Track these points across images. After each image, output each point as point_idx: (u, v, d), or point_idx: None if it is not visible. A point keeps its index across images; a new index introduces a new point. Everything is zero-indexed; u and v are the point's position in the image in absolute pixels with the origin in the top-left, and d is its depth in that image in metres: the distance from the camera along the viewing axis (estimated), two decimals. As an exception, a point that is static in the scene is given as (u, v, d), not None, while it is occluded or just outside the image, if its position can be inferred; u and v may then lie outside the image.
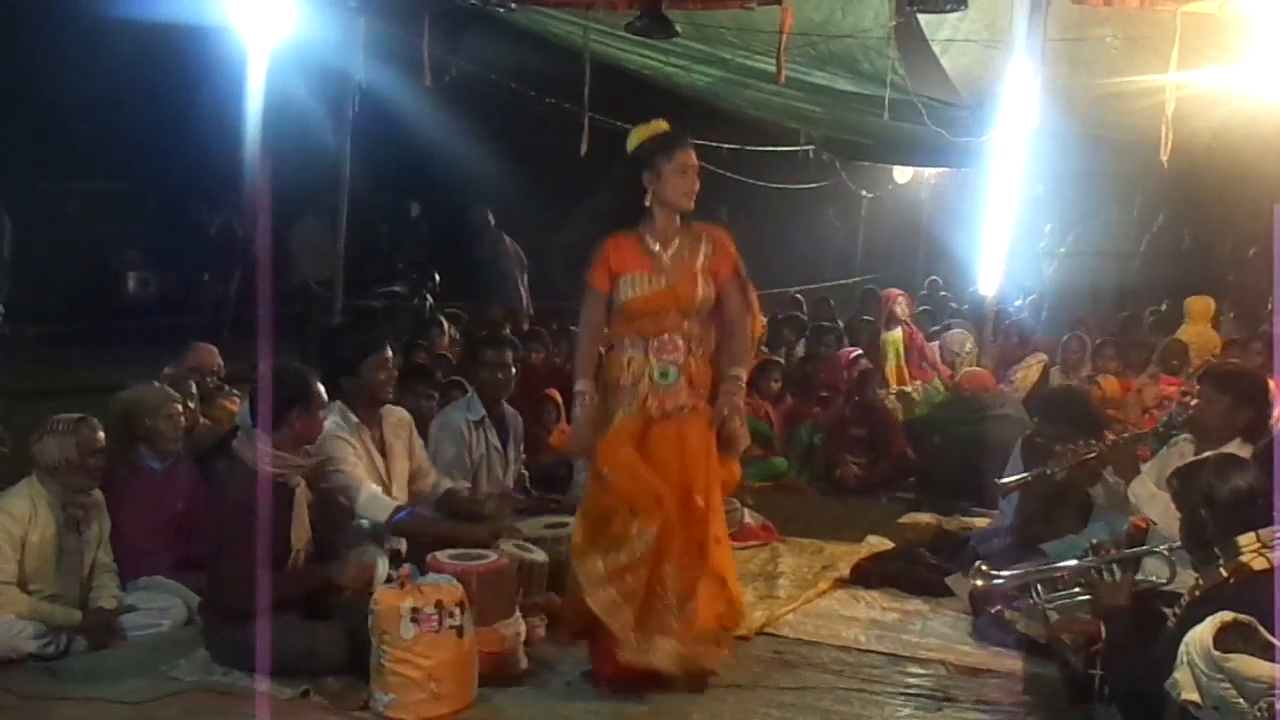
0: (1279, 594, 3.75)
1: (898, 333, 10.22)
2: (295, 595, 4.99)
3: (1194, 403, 5.65)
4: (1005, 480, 6.20)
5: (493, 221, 13.33)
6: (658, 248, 5.12)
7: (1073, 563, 4.90)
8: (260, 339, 5.31)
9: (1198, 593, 4.09)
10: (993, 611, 5.67)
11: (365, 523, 5.74)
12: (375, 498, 5.58)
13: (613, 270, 5.09)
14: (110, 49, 11.74)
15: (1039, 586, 4.93)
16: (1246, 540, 4.00)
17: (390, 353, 6.05)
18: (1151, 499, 5.24)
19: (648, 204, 5.09)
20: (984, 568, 5.11)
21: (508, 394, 6.99)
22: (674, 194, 5.09)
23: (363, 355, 5.84)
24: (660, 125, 5.19)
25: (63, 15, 11.51)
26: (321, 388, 5.23)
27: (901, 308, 10.18)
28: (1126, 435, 5.96)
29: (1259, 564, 3.97)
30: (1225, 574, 4.01)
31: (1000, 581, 5.00)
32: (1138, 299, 14.63)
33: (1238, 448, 5.10)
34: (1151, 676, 3.87)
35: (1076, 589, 4.72)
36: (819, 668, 5.35)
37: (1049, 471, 5.81)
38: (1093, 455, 5.63)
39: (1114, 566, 4.45)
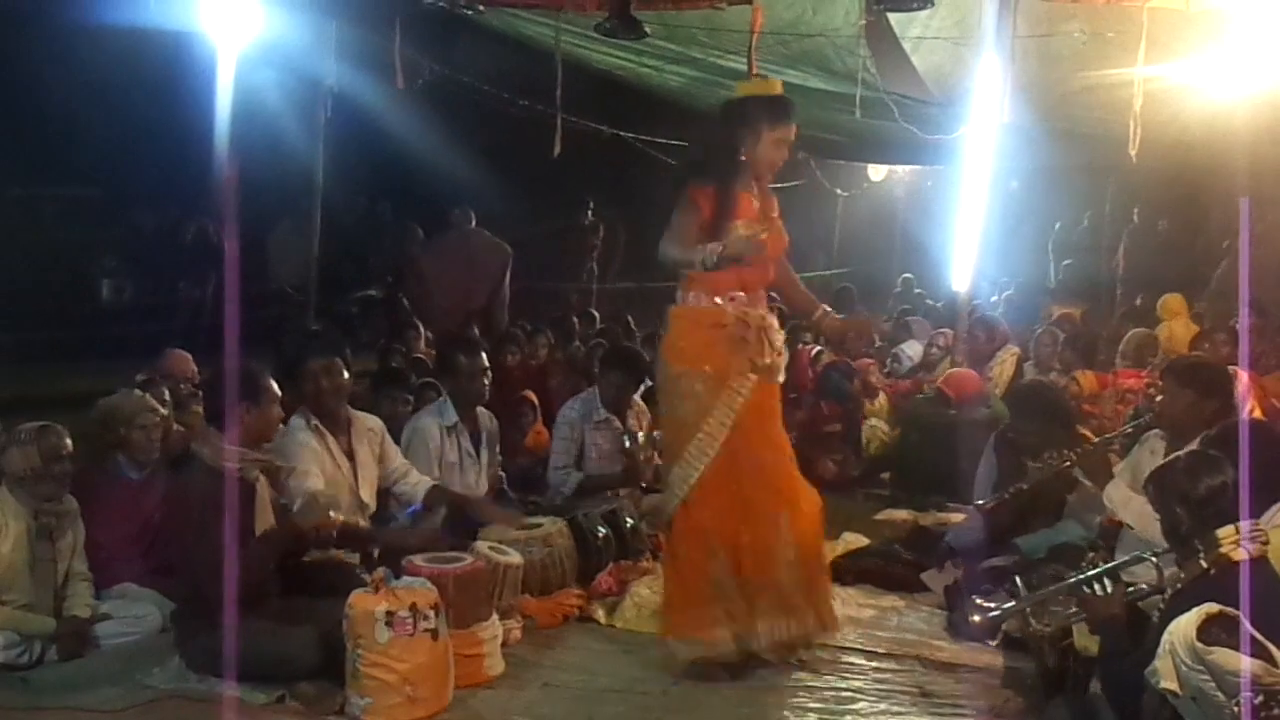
0: (1244, 588, 3.77)
1: (882, 399, 10.09)
2: (268, 561, 4.99)
3: (1159, 399, 5.69)
4: (983, 502, 6.24)
5: (474, 221, 13.40)
6: (756, 203, 5.22)
7: (1060, 581, 4.92)
8: (227, 342, 5.30)
9: (1179, 585, 4.12)
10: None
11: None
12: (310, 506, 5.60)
13: (726, 213, 5.05)
14: (82, 55, 11.69)
15: (1033, 612, 4.92)
16: (1225, 533, 4.03)
17: (336, 361, 6.05)
18: (1126, 503, 5.26)
19: (742, 158, 5.11)
20: (979, 601, 5.08)
21: (484, 400, 6.98)
22: (764, 161, 5.17)
23: (302, 359, 5.89)
24: (775, 85, 5.25)
25: (34, 22, 11.47)
26: (272, 382, 5.23)
27: (876, 376, 10.11)
28: (1099, 439, 5.98)
29: (1239, 555, 4.00)
30: (1206, 565, 4.04)
31: (996, 614, 4.96)
32: (1113, 293, 14.73)
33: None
34: (1142, 675, 3.90)
35: (1072, 611, 4.69)
36: (795, 665, 5.35)
37: (1026, 486, 5.84)
38: (1067, 465, 5.66)
39: (1103, 579, 4.44)
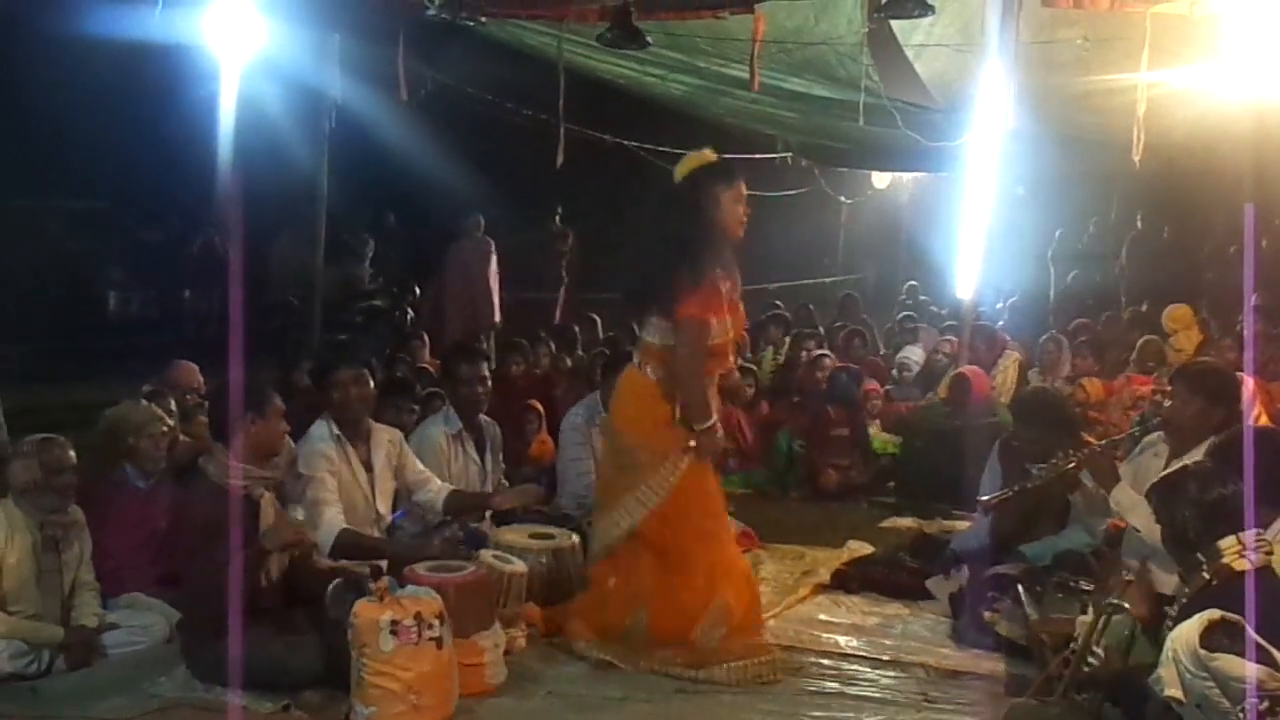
0: (1250, 596, 3.77)
1: (877, 425, 10.05)
2: (251, 584, 4.98)
3: (1167, 404, 5.68)
4: (985, 498, 6.24)
5: (482, 227, 13.69)
6: (725, 286, 5.33)
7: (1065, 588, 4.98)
8: (231, 353, 5.32)
9: (1184, 600, 4.11)
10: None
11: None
12: (327, 524, 5.66)
13: (713, 314, 5.24)
14: (88, 68, 11.69)
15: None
16: (1227, 544, 4.03)
17: (362, 370, 6.14)
18: (1134, 506, 5.24)
19: (705, 232, 5.25)
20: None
21: (484, 408, 7.00)
22: (732, 221, 5.30)
23: (333, 368, 5.94)
24: (710, 155, 5.39)
25: (39, 34, 11.50)
26: (275, 394, 5.27)
27: (875, 400, 10.08)
28: (1105, 442, 5.97)
29: (1241, 565, 4.00)
30: (1208, 576, 4.04)
31: None
32: (1119, 300, 14.71)
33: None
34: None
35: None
36: (799, 672, 5.37)
37: (1030, 485, 5.84)
38: (1072, 466, 5.66)
39: (1096, 650, 4.43)
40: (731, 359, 5.53)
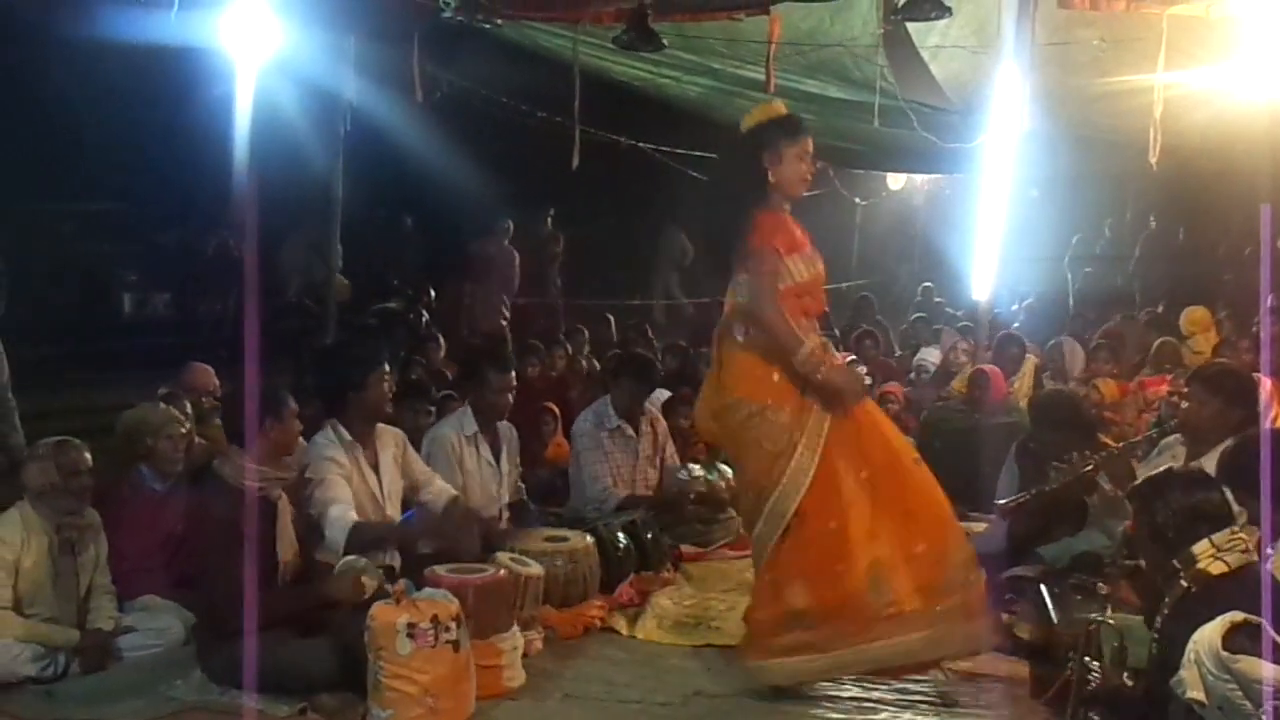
0: (1266, 596, 3.75)
1: None
2: (290, 612, 5.00)
3: (1184, 405, 5.67)
4: (1003, 501, 6.22)
5: (511, 232, 14.03)
6: (798, 231, 5.18)
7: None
8: (247, 356, 5.32)
9: (1166, 611, 4.09)
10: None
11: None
12: (338, 519, 5.57)
13: (785, 247, 5.05)
14: (103, 71, 11.72)
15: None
16: (1201, 548, 3.99)
17: (388, 367, 6.11)
18: None
19: (771, 185, 5.09)
20: None
21: (505, 415, 6.95)
22: (794, 178, 5.13)
23: (367, 370, 5.90)
24: (779, 107, 5.24)
25: (54, 38, 11.53)
26: (290, 397, 5.25)
27: (895, 403, 10.05)
28: (1122, 444, 5.95)
29: (1216, 568, 3.96)
30: (1185, 584, 4.02)
31: None
32: (1135, 302, 14.68)
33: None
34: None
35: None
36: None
37: (1048, 488, 5.81)
38: (1089, 468, 5.63)
39: (1093, 668, 4.41)
40: (823, 303, 5.24)
